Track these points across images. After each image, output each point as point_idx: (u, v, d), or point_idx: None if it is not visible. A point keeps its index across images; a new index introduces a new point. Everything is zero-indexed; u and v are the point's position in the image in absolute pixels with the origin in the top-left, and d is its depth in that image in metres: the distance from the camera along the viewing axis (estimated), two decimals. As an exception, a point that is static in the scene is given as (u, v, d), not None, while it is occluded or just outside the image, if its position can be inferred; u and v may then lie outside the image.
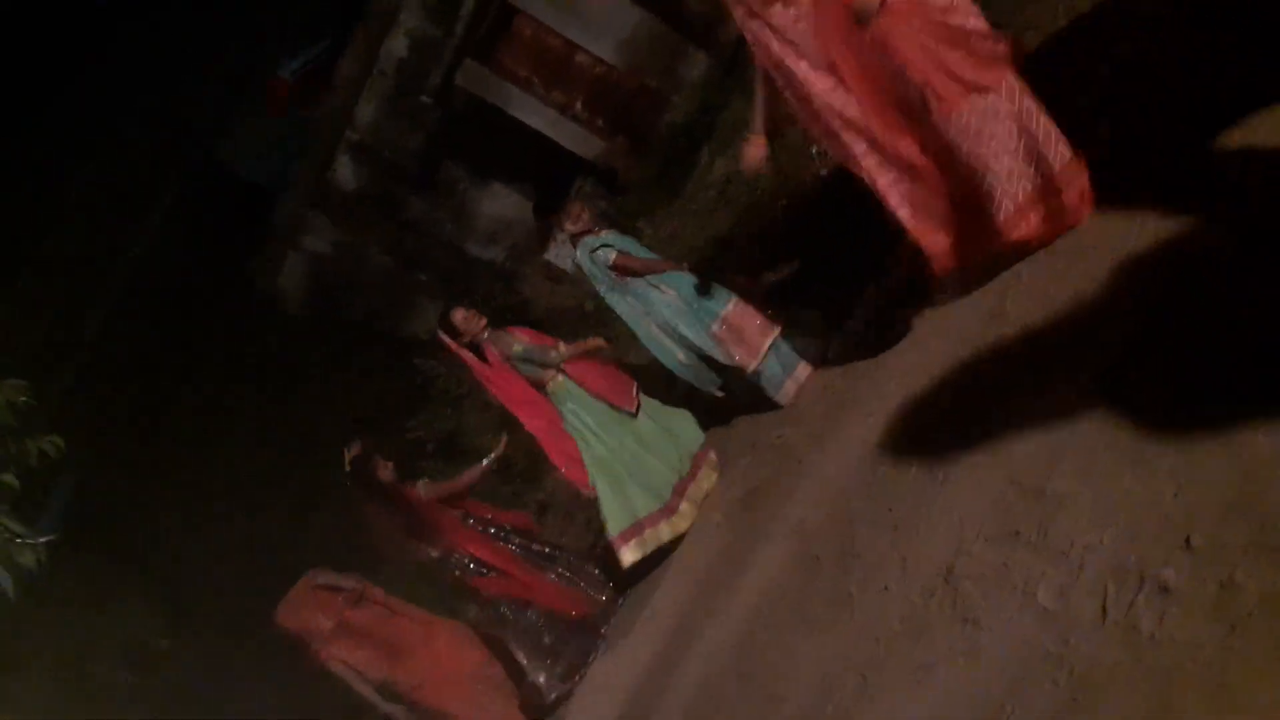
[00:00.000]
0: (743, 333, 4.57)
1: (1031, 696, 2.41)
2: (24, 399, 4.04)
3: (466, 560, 5.17)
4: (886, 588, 3.19)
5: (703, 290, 4.64)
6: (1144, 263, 2.95)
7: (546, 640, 5.20)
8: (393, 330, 10.50)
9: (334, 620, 5.22)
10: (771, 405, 4.68)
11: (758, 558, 4.05)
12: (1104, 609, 2.36)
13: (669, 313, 4.65)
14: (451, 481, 5.47)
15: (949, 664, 2.75)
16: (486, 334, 5.01)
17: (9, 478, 3.81)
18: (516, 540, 5.37)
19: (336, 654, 5.20)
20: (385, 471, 5.18)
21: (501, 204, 11.00)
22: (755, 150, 3.86)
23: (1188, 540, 2.24)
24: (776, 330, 4.57)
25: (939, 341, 3.69)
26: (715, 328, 4.58)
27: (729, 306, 4.60)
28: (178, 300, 10.62)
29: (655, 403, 5.09)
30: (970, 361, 3.43)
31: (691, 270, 4.82)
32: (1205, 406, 2.44)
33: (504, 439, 5.57)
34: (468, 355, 5.03)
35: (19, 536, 3.70)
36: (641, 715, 4.27)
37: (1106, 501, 2.51)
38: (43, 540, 3.84)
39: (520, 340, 5.02)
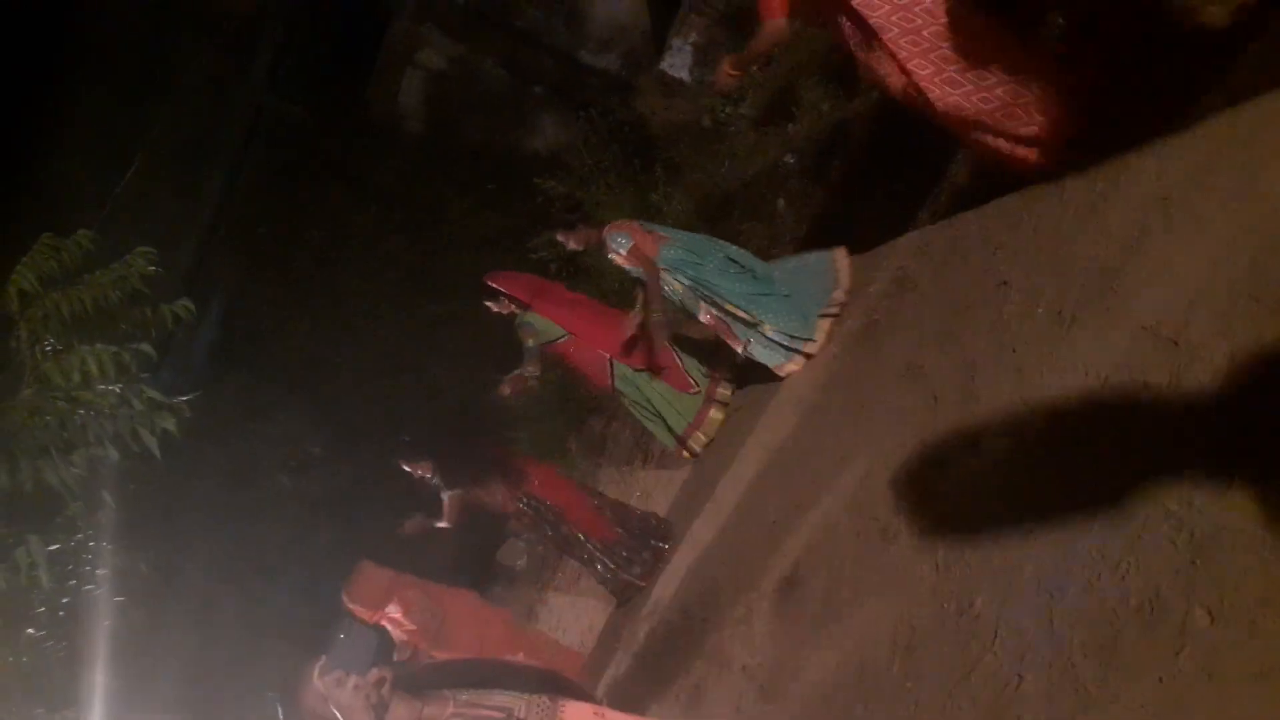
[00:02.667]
0: None
1: (1149, 555, 2.38)
2: (153, 267, 4.26)
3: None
4: (1001, 435, 3.14)
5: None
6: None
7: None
8: (512, 149, 10.46)
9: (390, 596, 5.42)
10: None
11: (874, 394, 4.03)
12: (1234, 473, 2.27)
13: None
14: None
15: (1066, 515, 2.72)
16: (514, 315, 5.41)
17: (146, 347, 4.06)
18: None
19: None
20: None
21: (614, 6, 10.58)
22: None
23: (1332, 406, 2.11)
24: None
25: (1077, 185, 3.45)
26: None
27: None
28: (298, 137, 10.77)
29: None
30: (1102, 207, 3.20)
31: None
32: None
33: None
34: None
35: (159, 403, 4.00)
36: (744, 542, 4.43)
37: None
38: (183, 399, 4.13)
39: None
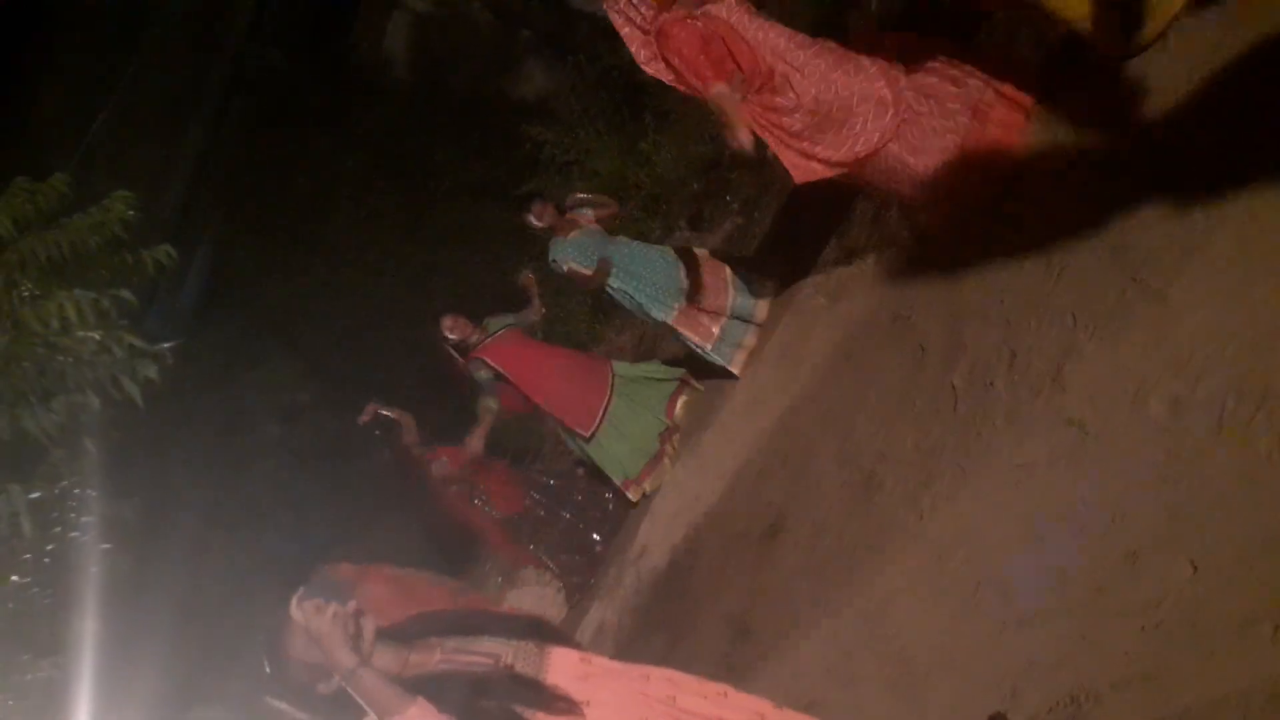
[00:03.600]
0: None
1: (1132, 508, 2.38)
2: (132, 212, 4.17)
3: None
4: (991, 384, 3.13)
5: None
6: None
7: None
8: (499, 95, 10.31)
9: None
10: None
11: (860, 345, 4.01)
12: (1219, 424, 2.27)
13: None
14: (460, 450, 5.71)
15: (1049, 467, 2.72)
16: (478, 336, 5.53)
17: (126, 293, 3.99)
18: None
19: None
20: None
21: (604, -50, 10.36)
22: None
23: (1319, 358, 2.10)
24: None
25: (1062, 128, 3.40)
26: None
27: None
28: (282, 83, 10.57)
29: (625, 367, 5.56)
30: (1097, 150, 3.16)
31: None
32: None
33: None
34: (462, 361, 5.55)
35: (141, 350, 3.94)
36: (737, 499, 4.44)
37: (1234, 312, 2.35)
38: (167, 346, 4.08)
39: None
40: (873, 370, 3.84)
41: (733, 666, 3.79)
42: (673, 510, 5.07)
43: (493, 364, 5.49)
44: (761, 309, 5.05)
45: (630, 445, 5.35)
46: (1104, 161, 3.10)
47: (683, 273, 4.99)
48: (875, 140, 3.52)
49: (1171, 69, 2.92)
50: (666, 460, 5.36)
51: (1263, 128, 2.53)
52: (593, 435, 5.34)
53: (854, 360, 4.05)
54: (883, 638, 3.07)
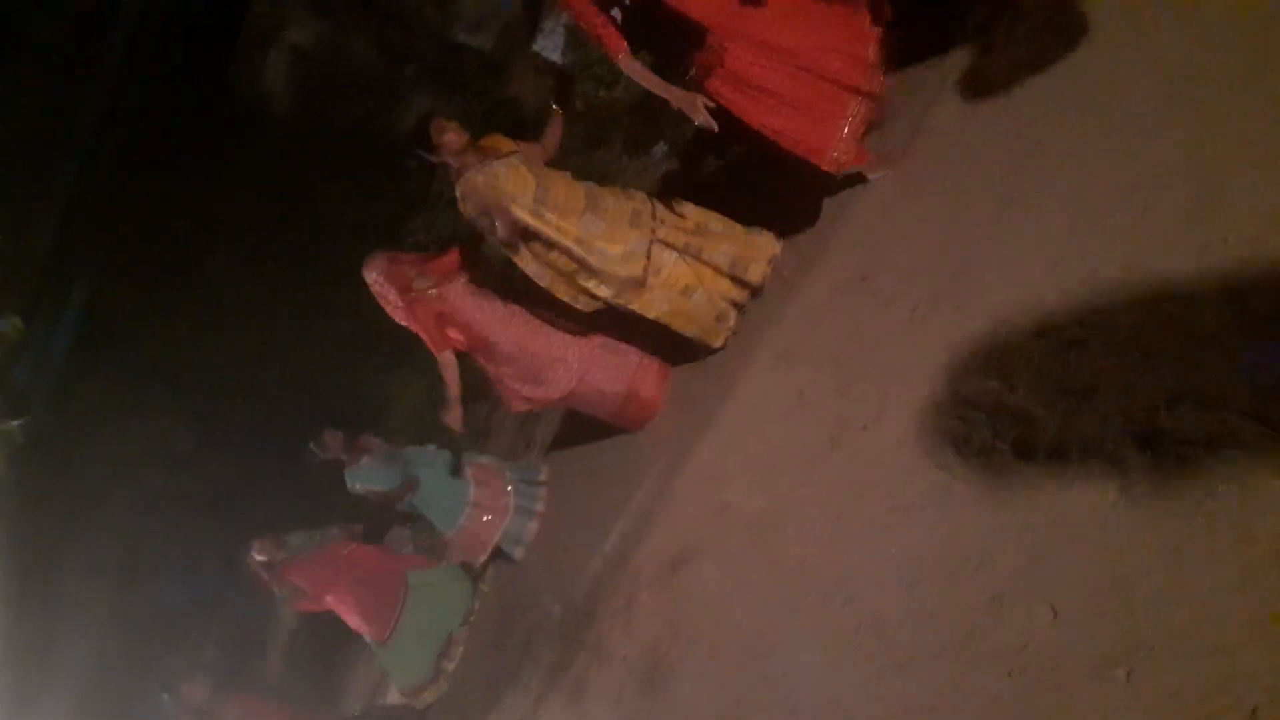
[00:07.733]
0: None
1: (996, 552, 2.47)
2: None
3: None
4: (865, 428, 3.22)
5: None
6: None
7: None
8: (386, 131, 10.17)
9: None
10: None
11: (744, 381, 4.09)
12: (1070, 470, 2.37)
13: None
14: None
15: (920, 511, 2.80)
16: None
17: (-35, 372, 3.79)
18: None
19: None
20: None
21: (487, -15, 10.33)
22: None
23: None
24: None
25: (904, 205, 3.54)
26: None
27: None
28: (157, 124, 10.22)
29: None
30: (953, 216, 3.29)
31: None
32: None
33: None
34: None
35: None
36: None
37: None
38: (16, 424, 3.89)
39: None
40: (761, 404, 3.91)
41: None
42: (568, 554, 5.05)
43: (296, 582, 5.79)
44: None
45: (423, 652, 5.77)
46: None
47: (472, 490, 5.55)
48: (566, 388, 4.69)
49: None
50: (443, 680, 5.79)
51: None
52: (387, 641, 5.74)
53: (737, 393, 4.11)
54: (769, 682, 3.11)
